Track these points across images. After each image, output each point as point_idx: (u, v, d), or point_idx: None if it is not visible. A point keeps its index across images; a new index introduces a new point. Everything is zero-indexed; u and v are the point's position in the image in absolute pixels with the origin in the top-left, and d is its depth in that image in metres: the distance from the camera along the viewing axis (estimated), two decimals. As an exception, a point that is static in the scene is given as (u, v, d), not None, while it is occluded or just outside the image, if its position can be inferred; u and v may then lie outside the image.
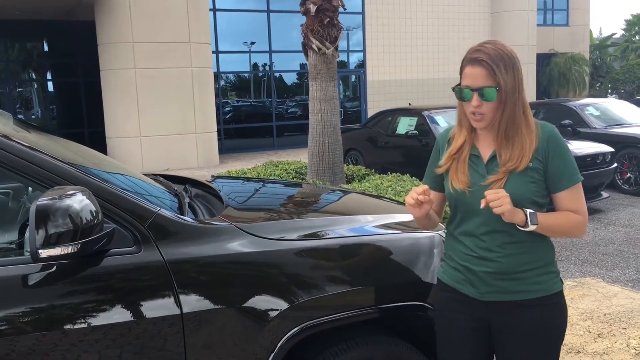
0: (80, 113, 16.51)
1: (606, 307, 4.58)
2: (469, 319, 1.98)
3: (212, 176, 3.29)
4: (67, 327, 1.66)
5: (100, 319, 1.70)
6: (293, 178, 7.98)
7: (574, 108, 10.19)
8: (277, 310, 1.94)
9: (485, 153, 1.94)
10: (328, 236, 2.19)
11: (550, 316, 1.91)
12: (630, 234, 6.92)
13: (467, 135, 1.96)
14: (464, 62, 1.87)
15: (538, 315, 1.89)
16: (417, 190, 1.94)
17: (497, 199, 1.77)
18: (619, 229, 7.06)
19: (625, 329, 4.24)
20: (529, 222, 1.82)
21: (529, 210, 1.83)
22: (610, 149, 8.47)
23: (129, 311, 1.74)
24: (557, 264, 1.99)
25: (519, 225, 1.84)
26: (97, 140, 13.66)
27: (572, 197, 1.89)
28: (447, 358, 2.06)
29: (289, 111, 17.85)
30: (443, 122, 9.01)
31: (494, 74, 1.81)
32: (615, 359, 3.78)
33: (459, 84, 1.89)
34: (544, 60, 23.21)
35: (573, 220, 1.89)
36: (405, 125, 9.48)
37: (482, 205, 1.80)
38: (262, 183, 3.36)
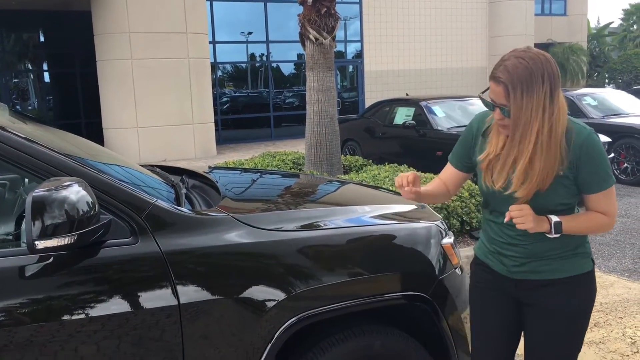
0: (76, 104, 16.45)
1: (602, 297, 4.60)
2: (499, 293, 2.07)
3: (209, 167, 3.28)
4: (65, 318, 1.66)
5: (98, 310, 1.70)
6: (290, 169, 7.98)
7: (571, 98, 10.18)
8: (274, 300, 1.94)
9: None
10: (325, 227, 2.19)
11: (578, 296, 1.96)
12: (627, 223, 6.94)
13: (505, 139, 1.92)
14: (491, 73, 1.86)
15: (566, 294, 1.95)
16: (408, 178, 1.96)
17: (521, 216, 1.83)
18: (616, 219, 7.07)
19: (621, 318, 4.27)
20: (553, 232, 1.87)
21: (554, 220, 1.87)
22: (607, 139, 8.48)
23: (126, 302, 1.74)
24: (589, 245, 2.03)
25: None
26: (94, 132, 13.63)
27: (602, 200, 1.90)
28: (477, 330, 2.15)
29: (286, 102, 17.81)
30: (441, 112, 9.00)
31: (509, 95, 1.79)
32: (611, 348, 3.80)
33: (487, 91, 1.89)
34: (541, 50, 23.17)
35: (599, 223, 1.92)
36: (402, 115, 9.46)
37: (506, 219, 1.87)
38: (259, 174, 3.36)
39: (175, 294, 1.80)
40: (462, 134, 2.12)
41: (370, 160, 8.86)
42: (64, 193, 1.59)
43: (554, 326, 1.97)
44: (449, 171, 2.16)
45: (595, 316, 4.23)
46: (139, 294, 1.76)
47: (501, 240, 2.01)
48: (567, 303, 1.95)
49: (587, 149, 1.84)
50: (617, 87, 21.32)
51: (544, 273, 1.96)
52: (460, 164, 2.13)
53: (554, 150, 1.82)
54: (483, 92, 1.95)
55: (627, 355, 3.69)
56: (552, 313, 1.96)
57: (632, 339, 3.93)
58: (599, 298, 4.58)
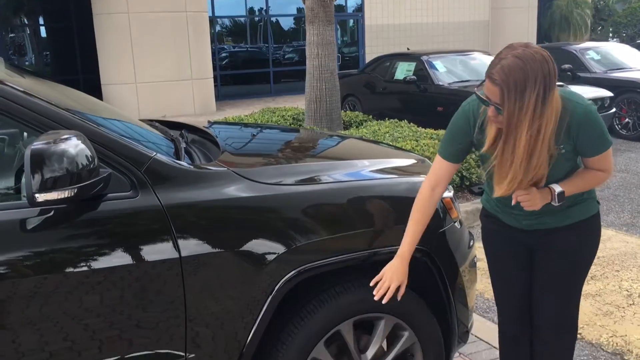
0: (74, 59, 16.24)
1: (600, 251, 4.64)
2: (511, 242, 2.21)
3: (209, 122, 3.26)
4: (67, 270, 1.68)
5: (100, 263, 1.72)
6: (290, 125, 7.95)
7: (574, 52, 10.06)
8: (274, 253, 1.96)
9: None
10: (325, 181, 2.19)
11: (585, 237, 2.11)
12: (627, 178, 6.96)
13: (497, 130, 1.94)
14: (487, 69, 1.85)
15: (574, 237, 2.08)
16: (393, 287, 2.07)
17: (528, 199, 1.95)
18: (615, 174, 7.08)
19: (618, 271, 4.32)
20: (557, 201, 1.98)
21: (557, 191, 1.97)
22: (609, 93, 8.42)
23: (128, 255, 1.76)
24: (594, 189, 2.13)
25: None
26: (92, 87, 13.48)
27: (601, 161, 1.98)
28: (496, 278, 2.31)
29: (285, 57, 17.59)
30: (442, 67, 8.90)
31: (503, 97, 1.80)
32: (607, 300, 3.86)
33: (482, 84, 1.90)
34: (545, 4, 22.73)
35: (598, 179, 2.03)
36: (403, 70, 9.36)
37: (513, 202, 1.99)
38: (259, 129, 3.34)
39: (177, 247, 1.82)
40: (455, 128, 2.10)
41: (371, 116, 8.81)
42: (63, 146, 1.58)
43: (560, 266, 2.11)
44: (446, 168, 2.13)
45: (592, 269, 4.28)
46: (140, 247, 1.78)
47: (508, 204, 2.08)
48: (574, 244, 2.09)
49: (584, 124, 1.90)
50: (621, 41, 20.99)
51: (554, 222, 2.08)
52: (453, 156, 2.12)
53: (543, 148, 1.86)
54: (478, 87, 1.96)
55: (623, 307, 3.75)
56: (559, 254, 2.10)
57: (628, 291, 3.98)
58: (597, 252, 4.63)
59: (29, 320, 1.66)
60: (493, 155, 1.93)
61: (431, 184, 2.14)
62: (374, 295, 2.16)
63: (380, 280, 2.09)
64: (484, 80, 1.90)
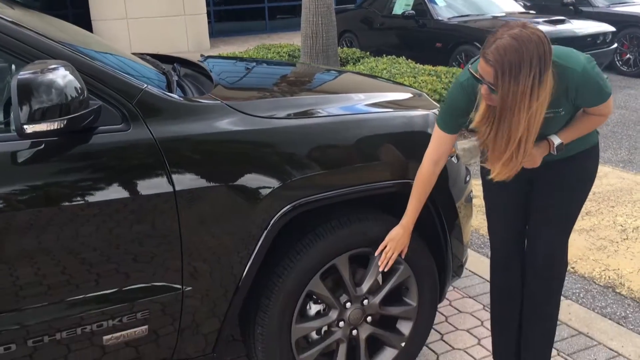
0: (63, -6, 15.80)
1: (596, 187, 4.65)
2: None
3: (202, 55, 3.19)
4: (61, 203, 1.66)
5: (93, 196, 1.70)
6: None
7: (578, -15, 9.80)
8: (269, 188, 1.94)
9: None
10: (320, 114, 2.15)
11: (585, 165, 2.14)
12: (625, 115, 6.92)
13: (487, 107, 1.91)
14: (482, 48, 1.80)
15: (574, 164, 2.10)
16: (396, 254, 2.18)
17: (529, 160, 1.96)
18: (614, 111, 7.03)
19: (613, 207, 4.34)
20: (556, 152, 2.01)
21: (556, 143, 1.99)
22: (611, 28, 8.26)
23: (121, 188, 1.74)
24: None
25: None
26: (82, 23, 13.13)
27: (601, 108, 1.97)
28: (492, 208, 2.32)
29: (281, -8, 17.14)
30: (441, 1, 8.68)
31: (497, 79, 1.75)
32: (601, 235, 3.90)
33: (477, 60, 1.86)
34: None
35: (595, 123, 2.03)
36: (402, 5, 9.13)
37: None
38: (254, 63, 3.27)
39: (170, 180, 1.80)
40: (456, 105, 2.04)
41: (368, 53, 8.66)
42: (51, 76, 1.53)
43: (559, 193, 2.12)
44: (448, 140, 2.11)
45: (587, 205, 4.30)
46: (133, 180, 1.76)
47: None
48: (574, 171, 2.11)
49: (582, 86, 1.88)
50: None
51: (557, 155, 2.06)
52: (453, 129, 2.10)
53: (537, 125, 1.82)
54: (472, 63, 1.91)
55: (617, 242, 3.79)
56: (559, 180, 2.12)
57: (622, 226, 4.02)
58: (592, 187, 4.65)
59: (26, 254, 1.65)
60: (484, 130, 1.91)
61: (434, 158, 2.13)
62: (369, 230, 2.17)
63: (385, 248, 2.18)
64: (477, 58, 1.86)
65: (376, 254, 2.20)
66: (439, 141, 2.11)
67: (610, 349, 2.68)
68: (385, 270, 2.21)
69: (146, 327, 1.88)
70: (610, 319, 2.96)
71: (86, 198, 1.69)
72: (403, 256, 2.24)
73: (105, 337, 1.83)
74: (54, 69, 1.56)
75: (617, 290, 3.23)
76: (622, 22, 8.94)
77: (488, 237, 2.46)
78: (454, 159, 2.45)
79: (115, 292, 1.80)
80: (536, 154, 1.98)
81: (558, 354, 2.65)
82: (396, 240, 2.17)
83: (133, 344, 1.89)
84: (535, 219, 2.21)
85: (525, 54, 1.70)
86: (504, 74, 1.73)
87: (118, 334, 1.84)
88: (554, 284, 2.26)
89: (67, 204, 1.67)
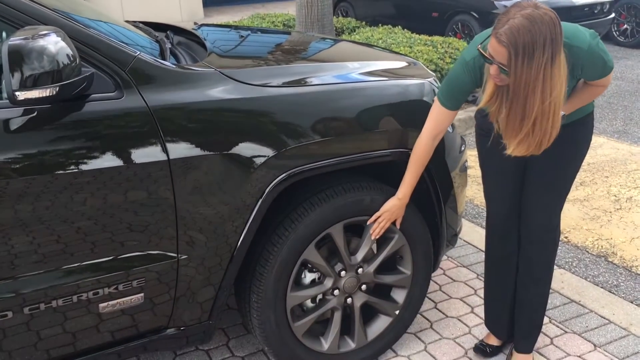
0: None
1: (590, 157, 4.67)
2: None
3: (195, 23, 3.15)
4: (55, 171, 1.66)
5: (87, 164, 1.69)
6: (281, 31, 7.72)
7: (576, -46, 9.67)
8: (263, 157, 1.94)
9: None
10: (314, 83, 2.14)
11: (579, 132, 2.14)
12: (622, 86, 6.90)
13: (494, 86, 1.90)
14: (494, 27, 1.77)
15: (570, 131, 2.08)
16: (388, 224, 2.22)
17: None
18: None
19: (607, 177, 4.36)
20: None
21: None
22: (610, -3, 8.18)
23: (115, 156, 1.73)
24: None
25: None
26: (75, -8, 12.97)
27: (602, 80, 1.97)
28: (487, 174, 2.32)
29: (276, -40, 16.85)
30: (438, -30, 8.55)
31: (510, 60, 1.73)
32: (594, 205, 3.92)
33: (487, 40, 1.83)
34: None
35: (596, 93, 2.04)
36: (398, -26, 9.01)
37: None
38: (249, 31, 3.23)
39: (164, 149, 1.79)
40: (459, 83, 2.03)
41: (364, 22, 8.56)
42: (42, 42, 1.51)
43: (554, 159, 2.13)
44: (448, 116, 2.10)
45: (581, 175, 4.32)
46: (127, 148, 1.75)
47: None
48: (570, 137, 2.10)
49: (588, 63, 1.89)
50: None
51: None
52: (456, 105, 2.09)
53: (558, 104, 1.81)
54: (482, 44, 1.87)
55: (610, 212, 3.81)
56: (554, 147, 2.08)
57: (615, 196, 4.04)
58: (587, 158, 4.65)
59: (20, 222, 1.65)
60: (493, 110, 1.92)
61: (432, 133, 2.12)
62: (364, 199, 2.18)
63: (378, 218, 2.20)
64: (487, 37, 1.84)
65: (369, 222, 2.21)
66: (439, 117, 2.10)
67: (602, 317, 2.72)
68: (377, 238, 2.23)
69: (142, 295, 1.89)
70: (602, 287, 3.00)
71: (79, 166, 1.68)
72: (398, 226, 2.25)
73: (101, 305, 1.84)
74: (45, 35, 1.53)
75: (610, 260, 3.26)
76: (620, -9, 8.86)
77: (483, 207, 2.48)
78: (449, 129, 2.45)
79: (110, 260, 1.81)
80: None
81: (550, 322, 2.69)
82: (391, 211, 2.19)
83: (129, 312, 1.90)
84: (530, 185, 2.22)
85: (539, 34, 1.69)
86: (517, 55, 1.71)
87: (114, 302, 1.85)
88: (549, 248, 2.29)
89: (60, 172, 1.66)
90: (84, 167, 1.69)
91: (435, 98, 2.11)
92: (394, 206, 2.19)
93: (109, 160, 1.72)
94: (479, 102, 1.99)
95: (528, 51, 1.71)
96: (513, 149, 1.91)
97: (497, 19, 1.78)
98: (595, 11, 7.95)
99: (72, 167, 1.68)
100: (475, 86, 2.04)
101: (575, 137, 2.13)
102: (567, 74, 1.85)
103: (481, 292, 2.90)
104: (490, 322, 2.52)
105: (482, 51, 1.85)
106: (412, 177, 2.17)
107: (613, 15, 8.41)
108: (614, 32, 9.05)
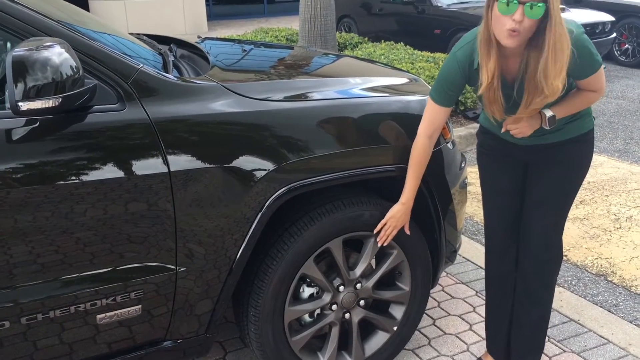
0: (60, -26, 15.65)
1: (591, 176, 4.67)
2: (508, 157, 2.23)
3: (199, 37, 3.17)
4: (56, 181, 1.66)
5: (88, 175, 1.70)
6: (284, 45, 7.76)
7: (578, -26, 9.75)
8: (264, 170, 1.94)
9: (511, 77, 1.96)
10: (316, 97, 2.15)
11: (580, 151, 2.14)
12: (622, 105, 6.92)
13: (496, 59, 1.89)
14: None
15: (570, 148, 2.11)
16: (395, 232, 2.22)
17: (517, 127, 2.01)
18: (611, 101, 7.03)
19: (607, 196, 4.36)
20: (548, 125, 2.00)
21: (548, 116, 1.98)
22: (611, 17, 8.24)
23: (116, 168, 1.73)
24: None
25: None
26: (79, 3, 13.07)
27: (593, 81, 1.97)
28: (488, 192, 2.34)
29: (280, -25, 17.01)
30: (441, -13, 8.63)
31: None
32: (594, 224, 3.91)
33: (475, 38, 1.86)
34: None
35: (590, 99, 2.03)
36: (401, -10, 9.08)
37: (503, 130, 2.08)
38: (252, 45, 3.25)
39: (165, 161, 1.79)
40: (448, 77, 2.05)
41: (366, 38, 8.62)
42: (46, 54, 1.52)
43: (555, 177, 2.14)
44: (441, 113, 2.13)
45: (582, 194, 4.32)
46: (128, 160, 1.75)
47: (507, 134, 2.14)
48: (570, 156, 2.12)
49: (578, 51, 1.85)
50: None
51: (552, 138, 2.10)
52: (446, 101, 2.11)
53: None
54: (471, 41, 1.94)
55: (610, 231, 3.81)
56: (555, 165, 2.13)
57: (615, 215, 4.04)
58: (587, 177, 4.66)
59: (19, 232, 1.65)
60: (490, 93, 1.93)
61: (428, 132, 2.14)
62: (364, 214, 2.18)
63: (384, 225, 2.20)
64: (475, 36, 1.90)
65: (375, 231, 2.21)
66: (432, 114, 2.13)
67: (601, 336, 2.71)
68: (385, 244, 2.23)
69: (139, 306, 1.89)
70: (601, 306, 2.99)
71: (80, 177, 1.69)
72: (407, 231, 2.25)
73: (98, 316, 1.83)
74: (49, 46, 1.55)
75: (609, 279, 3.25)
76: (621, 11, 8.92)
77: (482, 224, 2.47)
78: (449, 145, 2.46)
79: (109, 272, 1.81)
80: (526, 124, 1.99)
81: (549, 340, 2.68)
82: (397, 217, 2.19)
83: (126, 324, 1.90)
84: (530, 203, 2.22)
85: None
86: None
87: (112, 313, 1.85)
88: (547, 268, 2.26)
89: (61, 182, 1.67)
90: (85, 177, 1.69)
91: (428, 97, 2.13)
92: (398, 212, 2.18)
93: (110, 172, 1.73)
94: (478, 89, 1.96)
95: None
96: (547, 93, 1.86)
97: None
98: (597, 31, 7.99)
99: (73, 177, 1.68)
100: (465, 81, 2.05)
101: (575, 156, 2.13)
102: None
103: (480, 310, 2.89)
104: (489, 340, 2.51)
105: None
106: (413, 180, 2.18)
107: (614, 35, 8.46)
108: (616, 52, 9.10)
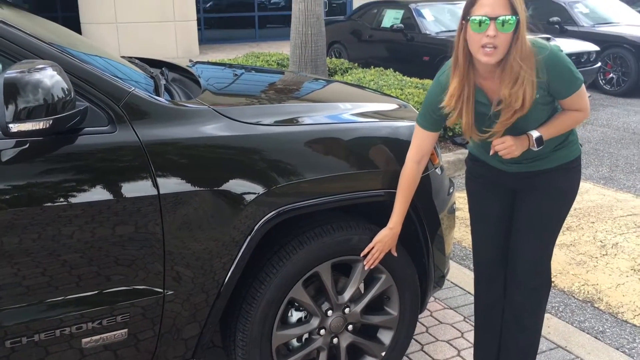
0: (53, -4, 15.72)
1: (577, 203, 4.71)
2: (496, 184, 2.25)
3: (190, 61, 3.20)
4: (44, 203, 1.66)
5: (77, 197, 1.70)
6: (274, 70, 7.82)
7: (563, 5, 9.96)
8: (254, 194, 1.95)
9: (492, 96, 2.00)
10: (305, 122, 2.17)
11: (568, 178, 2.16)
12: (608, 133, 7.01)
13: (464, 76, 1.96)
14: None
15: (558, 176, 2.14)
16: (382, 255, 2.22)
17: (505, 148, 1.99)
18: (596, 129, 7.13)
19: (593, 222, 4.39)
20: (536, 146, 2.01)
21: (535, 136, 2.00)
22: (595, 47, 8.38)
23: (105, 190, 1.74)
24: (576, 131, 2.20)
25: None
26: (72, 26, 13.07)
27: (575, 100, 2.00)
28: (476, 219, 2.35)
29: (271, 1, 17.20)
30: (430, 15, 8.77)
31: (513, 2, 1.82)
32: (581, 250, 3.94)
33: (469, 15, 1.87)
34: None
35: (576, 119, 2.05)
36: (391, 18, 9.22)
37: (491, 153, 2.05)
38: (243, 70, 3.28)
39: (155, 183, 1.80)
40: (432, 99, 2.10)
41: (356, 64, 8.71)
42: (38, 76, 1.53)
43: (543, 205, 2.16)
44: (428, 138, 2.17)
45: (568, 220, 4.35)
46: (118, 182, 1.75)
47: (495, 159, 2.17)
48: (558, 183, 2.14)
49: (552, 66, 1.91)
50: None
51: (540, 165, 2.13)
52: (439, 125, 2.16)
53: (532, 57, 1.89)
54: (467, 17, 1.94)
55: (596, 257, 3.83)
56: (543, 193, 2.15)
57: (602, 242, 4.06)
58: (574, 204, 4.70)
59: (6, 254, 1.64)
60: (455, 113, 2.00)
61: (416, 158, 2.18)
62: (352, 238, 2.18)
63: (371, 250, 2.21)
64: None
65: (362, 254, 2.21)
66: (420, 140, 2.17)
67: (588, 363, 2.71)
68: (372, 267, 2.23)
69: (126, 330, 1.87)
70: (588, 333, 2.99)
71: (70, 199, 1.69)
72: (395, 254, 2.26)
73: (84, 340, 1.81)
74: (41, 68, 1.56)
75: (596, 305, 3.27)
76: (606, 41, 9.09)
77: (470, 249, 2.49)
78: (437, 170, 2.48)
79: (95, 295, 1.80)
80: (513, 143, 2.00)
81: (536, 367, 2.67)
82: (384, 242, 2.20)
83: (112, 348, 1.88)
84: (518, 229, 2.24)
85: None
86: None
87: (97, 337, 1.83)
88: (535, 295, 2.26)
89: (50, 204, 1.66)
90: (73, 200, 1.69)
91: (415, 123, 2.17)
92: (385, 236, 2.19)
93: (99, 194, 1.72)
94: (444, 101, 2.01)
95: None
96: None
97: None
98: (582, 60, 8.13)
99: (62, 199, 1.68)
100: (442, 98, 2.07)
101: (563, 183, 2.15)
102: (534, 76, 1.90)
103: (468, 335, 2.89)
104: (478, 366, 2.50)
105: (470, 17, 1.85)
106: (401, 205, 2.19)
107: (599, 64, 8.61)
108: (601, 81, 9.25)
